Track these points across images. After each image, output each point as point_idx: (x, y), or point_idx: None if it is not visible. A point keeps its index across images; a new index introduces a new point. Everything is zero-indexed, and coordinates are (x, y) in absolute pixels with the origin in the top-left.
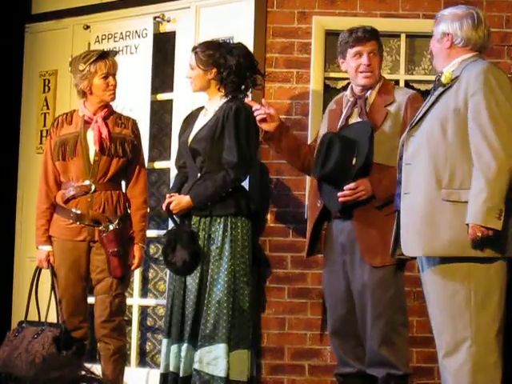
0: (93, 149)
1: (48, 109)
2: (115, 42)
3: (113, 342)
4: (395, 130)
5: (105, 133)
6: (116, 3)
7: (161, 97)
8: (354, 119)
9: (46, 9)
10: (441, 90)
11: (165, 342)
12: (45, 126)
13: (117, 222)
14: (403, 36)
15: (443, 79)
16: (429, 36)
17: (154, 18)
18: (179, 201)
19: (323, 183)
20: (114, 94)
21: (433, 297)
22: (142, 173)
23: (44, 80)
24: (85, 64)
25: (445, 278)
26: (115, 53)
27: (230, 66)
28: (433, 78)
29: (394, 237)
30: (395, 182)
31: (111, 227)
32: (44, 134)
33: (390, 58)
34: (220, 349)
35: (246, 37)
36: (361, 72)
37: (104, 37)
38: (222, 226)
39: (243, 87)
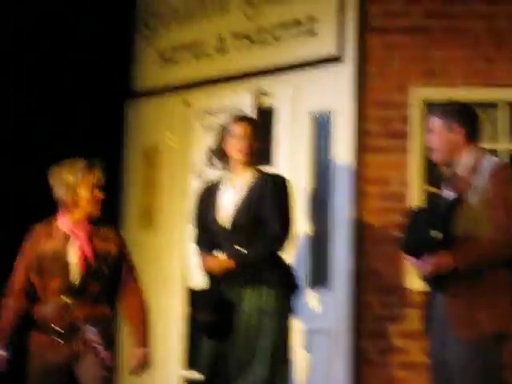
0: (74, 266)
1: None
2: (214, 117)
3: None
4: (480, 201)
5: (89, 252)
6: (215, 80)
7: None
8: (445, 192)
9: (145, 85)
10: None
11: None
12: None
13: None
14: (503, 104)
15: None
16: None
17: (253, 93)
18: (220, 262)
19: None
20: (100, 207)
21: None
22: (134, 282)
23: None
24: (70, 174)
25: None
26: (101, 163)
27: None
28: None
29: None
30: (478, 250)
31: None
32: None
33: (489, 127)
34: None
35: (343, 109)
36: None
37: (204, 112)
38: (273, 299)
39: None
